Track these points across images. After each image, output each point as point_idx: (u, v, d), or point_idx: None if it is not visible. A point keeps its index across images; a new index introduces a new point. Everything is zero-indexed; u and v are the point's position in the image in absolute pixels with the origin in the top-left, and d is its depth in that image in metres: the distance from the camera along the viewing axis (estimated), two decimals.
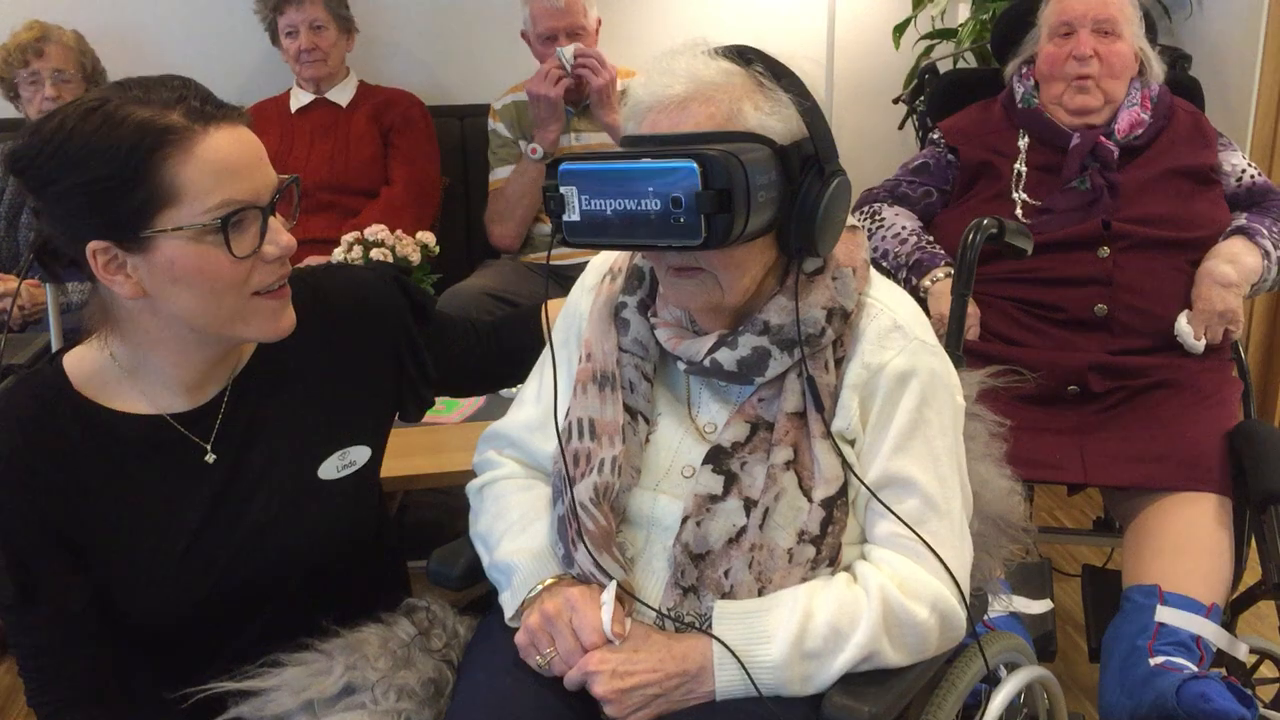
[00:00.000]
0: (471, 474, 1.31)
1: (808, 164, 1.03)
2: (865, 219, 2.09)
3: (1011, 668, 1.29)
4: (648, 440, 1.15)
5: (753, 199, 0.96)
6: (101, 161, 0.98)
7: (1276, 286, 1.98)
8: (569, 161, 1.01)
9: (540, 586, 1.14)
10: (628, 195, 0.97)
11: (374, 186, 2.79)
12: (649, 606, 1.11)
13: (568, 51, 2.54)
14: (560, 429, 1.17)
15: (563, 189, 1.01)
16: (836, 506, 1.08)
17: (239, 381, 1.18)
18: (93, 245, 1.02)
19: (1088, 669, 2.00)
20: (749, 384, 1.11)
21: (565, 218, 1.01)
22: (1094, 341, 1.86)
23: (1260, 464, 1.66)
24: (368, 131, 2.81)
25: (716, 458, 1.10)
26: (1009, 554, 1.28)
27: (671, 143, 1.01)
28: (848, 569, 1.11)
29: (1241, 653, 1.61)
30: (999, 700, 1.20)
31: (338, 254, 2.24)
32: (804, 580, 1.07)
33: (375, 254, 2.21)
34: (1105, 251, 1.88)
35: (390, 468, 1.34)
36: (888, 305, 1.12)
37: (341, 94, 2.85)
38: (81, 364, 1.14)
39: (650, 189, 0.96)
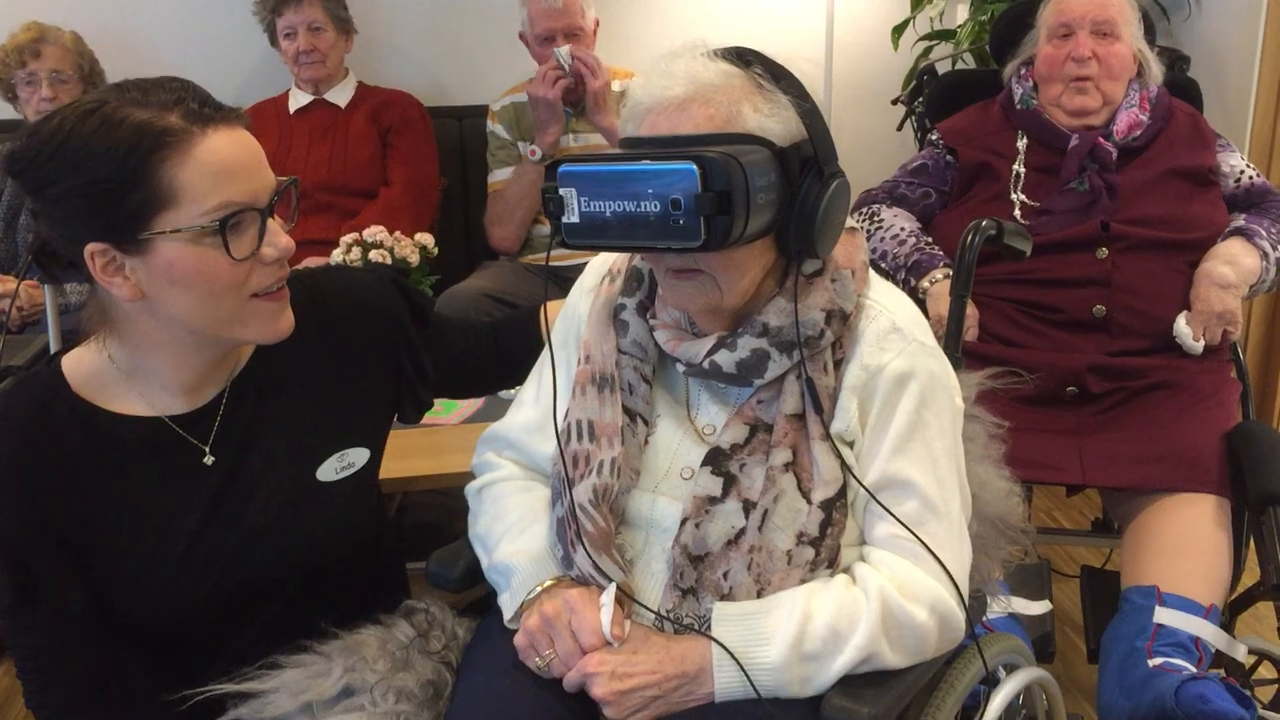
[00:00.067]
0: (470, 475, 1.31)
1: (807, 166, 1.03)
2: (864, 220, 2.09)
3: (1010, 669, 1.29)
4: (647, 442, 1.15)
5: (752, 201, 0.96)
6: (100, 163, 0.98)
7: (1275, 287, 1.98)
8: (568, 163, 1.01)
9: (539, 588, 1.14)
10: (627, 197, 0.97)
11: (372, 187, 2.79)
12: (648, 608, 1.11)
13: (564, 51, 2.54)
14: (559, 431, 1.17)
15: (562, 191, 1.01)
16: (835, 508, 1.08)
17: (237, 383, 1.18)
18: (91, 247, 1.02)
19: (1086, 670, 2.00)
20: (748, 386, 1.11)
21: (564, 219, 1.01)
22: (1092, 343, 1.86)
23: (1259, 465, 1.66)
24: (366, 132, 2.81)
25: (715, 459, 1.10)
26: (1008, 555, 1.28)
27: (671, 145, 1.01)
28: (847, 571, 1.11)
29: (1240, 654, 1.61)
30: (998, 701, 1.20)
31: (336, 255, 2.23)
32: (803, 582, 1.07)
33: (374, 255, 2.20)
34: (1104, 253, 1.88)
35: (389, 469, 1.34)
36: (887, 307, 1.12)
37: (340, 95, 2.85)
38: (80, 366, 1.14)
39: (650, 191, 0.96)
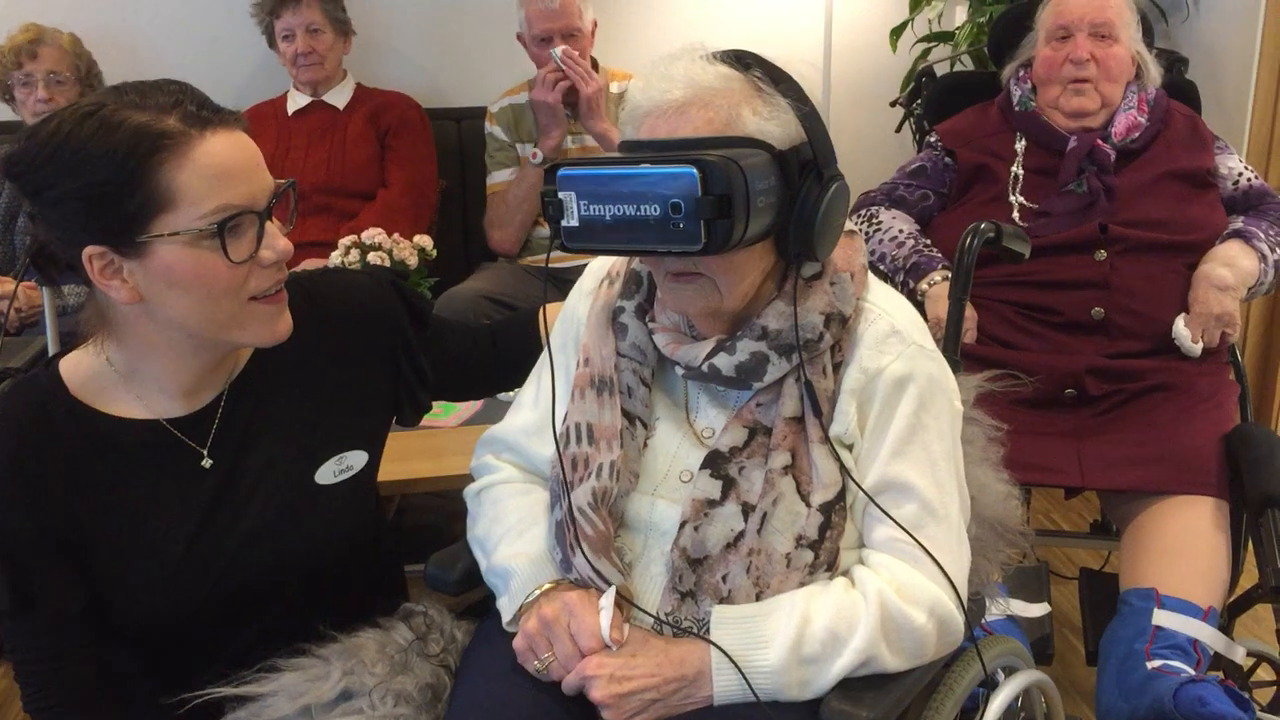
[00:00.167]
0: (469, 478, 1.31)
1: (806, 169, 1.03)
2: (862, 222, 2.09)
3: (1009, 671, 1.29)
4: (646, 445, 1.15)
5: (752, 204, 0.96)
6: (97, 166, 0.98)
7: (1273, 289, 1.98)
8: (568, 167, 1.01)
9: (538, 591, 1.14)
10: (627, 200, 0.97)
11: (371, 189, 2.78)
12: (647, 612, 1.11)
13: (558, 52, 2.54)
14: (558, 434, 1.17)
15: (561, 194, 1.00)
16: (834, 511, 1.08)
17: (236, 386, 1.18)
18: (89, 250, 1.02)
19: (1085, 672, 2.00)
20: (747, 389, 1.11)
21: (564, 223, 1.01)
22: (1091, 345, 1.86)
23: (1257, 467, 1.66)
24: (365, 134, 2.80)
25: (714, 462, 1.10)
26: (1006, 558, 1.28)
27: (671, 148, 1.01)
28: (845, 574, 1.10)
29: (1238, 656, 1.62)
30: (997, 704, 1.20)
31: (334, 257, 2.23)
32: (802, 585, 1.07)
33: (372, 257, 2.20)
34: (1102, 255, 1.88)
35: (387, 472, 1.34)
36: (886, 310, 1.12)
37: (338, 97, 2.85)
38: (78, 369, 1.14)
39: (650, 194, 0.96)
